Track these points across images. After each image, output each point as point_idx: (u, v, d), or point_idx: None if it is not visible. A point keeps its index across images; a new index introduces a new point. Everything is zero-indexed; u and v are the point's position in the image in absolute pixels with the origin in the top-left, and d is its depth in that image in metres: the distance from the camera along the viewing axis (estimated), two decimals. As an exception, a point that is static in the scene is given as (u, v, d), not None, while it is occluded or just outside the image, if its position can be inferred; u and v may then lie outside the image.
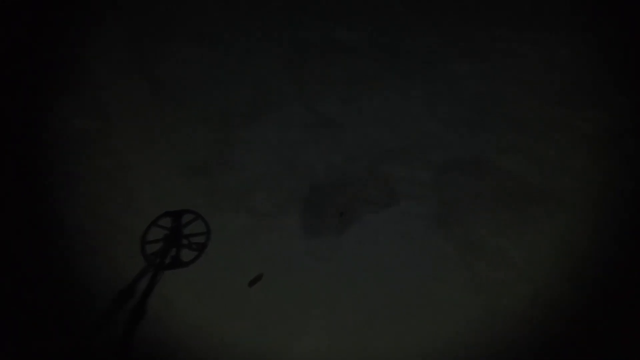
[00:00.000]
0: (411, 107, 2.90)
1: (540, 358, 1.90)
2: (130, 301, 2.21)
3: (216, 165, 2.69)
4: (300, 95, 3.00)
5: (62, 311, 2.19)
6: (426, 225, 2.37)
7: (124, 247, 2.41)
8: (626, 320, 1.98)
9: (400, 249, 2.31)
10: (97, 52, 3.21)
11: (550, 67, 3.05)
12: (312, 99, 2.97)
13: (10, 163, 2.62)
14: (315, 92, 3.01)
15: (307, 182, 2.63)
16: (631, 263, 2.09)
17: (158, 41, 3.29)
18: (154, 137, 2.81)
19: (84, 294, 2.22)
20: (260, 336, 2.19)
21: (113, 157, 2.75)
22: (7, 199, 2.48)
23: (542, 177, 2.52)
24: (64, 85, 2.99)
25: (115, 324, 2.13)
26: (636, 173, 2.54)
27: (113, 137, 2.84)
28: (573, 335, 1.91)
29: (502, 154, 2.62)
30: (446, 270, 2.21)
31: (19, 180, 2.57)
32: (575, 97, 2.90)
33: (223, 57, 3.19)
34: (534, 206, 2.38)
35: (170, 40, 3.29)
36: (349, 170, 2.65)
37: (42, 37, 3.19)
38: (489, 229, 2.32)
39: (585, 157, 2.62)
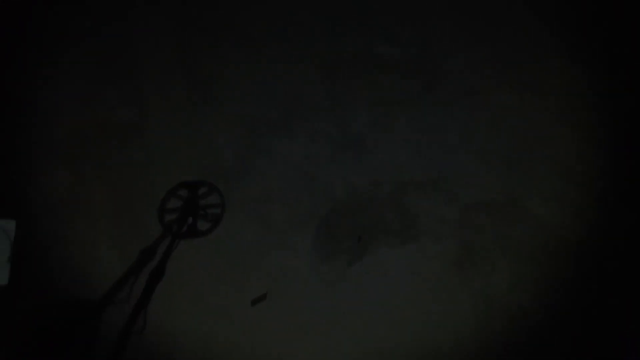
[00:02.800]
0: (446, 136, 2.74)
1: None
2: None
3: (236, 172, 2.69)
4: (332, 110, 2.92)
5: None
6: (443, 268, 2.24)
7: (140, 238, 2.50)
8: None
9: (412, 290, 2.21)
10: (144, 44, 3.30)
11: (606, 110, 2.76)
12: (343, 115, 2.89)
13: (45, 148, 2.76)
14: (347, 108, 2.92)
15: (326, 202, 2.57)
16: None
17: (203, 38, 3.32)
18: (183, 136, 2.86)
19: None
20: (256, 353, 2.19)
21: (142, 151, 2.83)
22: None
23: (580, 231, 2.30)
24: (108, 75, 3.11)
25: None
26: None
27: (146, 131, 2.92)
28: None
29: (538, 201, 2.42)
30: (457, 322, 2.09)
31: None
32: (628, 145, 2.61)
33: (261, 60, 3.17)
34: (566, 264, 2.18)
35: (215, 39, 3.32)
36: (371, 196, 2.56)
37: (88, 24, 3.31)
38: (511, 283, 2.15)
39: (631, 214, 2.35)
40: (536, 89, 2.85)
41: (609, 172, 2.45)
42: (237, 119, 2.91)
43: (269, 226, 2.50)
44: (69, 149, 2.80)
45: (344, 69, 3.00)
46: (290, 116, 2.90)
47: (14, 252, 2.27)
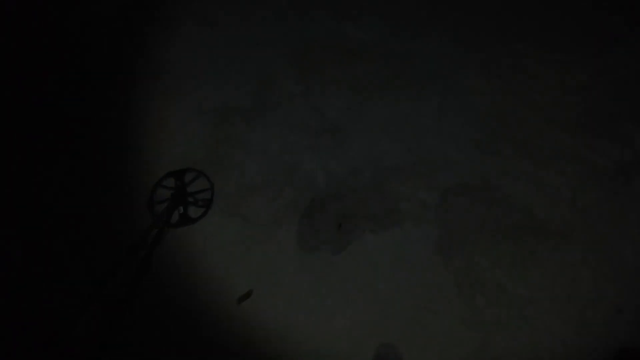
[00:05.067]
0: (420, 120, 2.75)
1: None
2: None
3: (211, 165, 2.54)
4: (306, 95, 2.83)
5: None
6: (426, 251, 2.28)
7: (102, 248, 2.29)
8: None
9: (397, 274, 2.22)
10: (87, 26, 2.97)
11: (565, 92, 2.91)
12: (318, 101, 2.81)
13: None
14: (321, 93, 2.84)
15: (307, 192, 2.50)
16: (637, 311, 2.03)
17: (159, 19, 3.05)
18: (144, 128, 2.64)
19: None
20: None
21: (96, 147, 2.57)
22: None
23: (548, 209, 2.43)
24: (46, 62, 2.77)
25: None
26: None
27: (98, 126, 2.66)
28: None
29: (509, 181, 2.52)
30: (443, 301, 2.14)
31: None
32: (588, 126, 2.78)
33: (229, 44, 2.98)
34: (538, 241, 2.30)
35: (174, 18, 3.06)
36: (351, 183, 2.53)
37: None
38: (491, 261, 2.23)
39: (594, 191, 2.52)
40: (501, 72, 2.93)
41: (575, 152, 2.60)
42: (206, 109, 2.73)
43: (251, 221, 2.39)
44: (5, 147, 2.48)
45: (316, 52, 2.89)
46: (262, 103, 2.76)
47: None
